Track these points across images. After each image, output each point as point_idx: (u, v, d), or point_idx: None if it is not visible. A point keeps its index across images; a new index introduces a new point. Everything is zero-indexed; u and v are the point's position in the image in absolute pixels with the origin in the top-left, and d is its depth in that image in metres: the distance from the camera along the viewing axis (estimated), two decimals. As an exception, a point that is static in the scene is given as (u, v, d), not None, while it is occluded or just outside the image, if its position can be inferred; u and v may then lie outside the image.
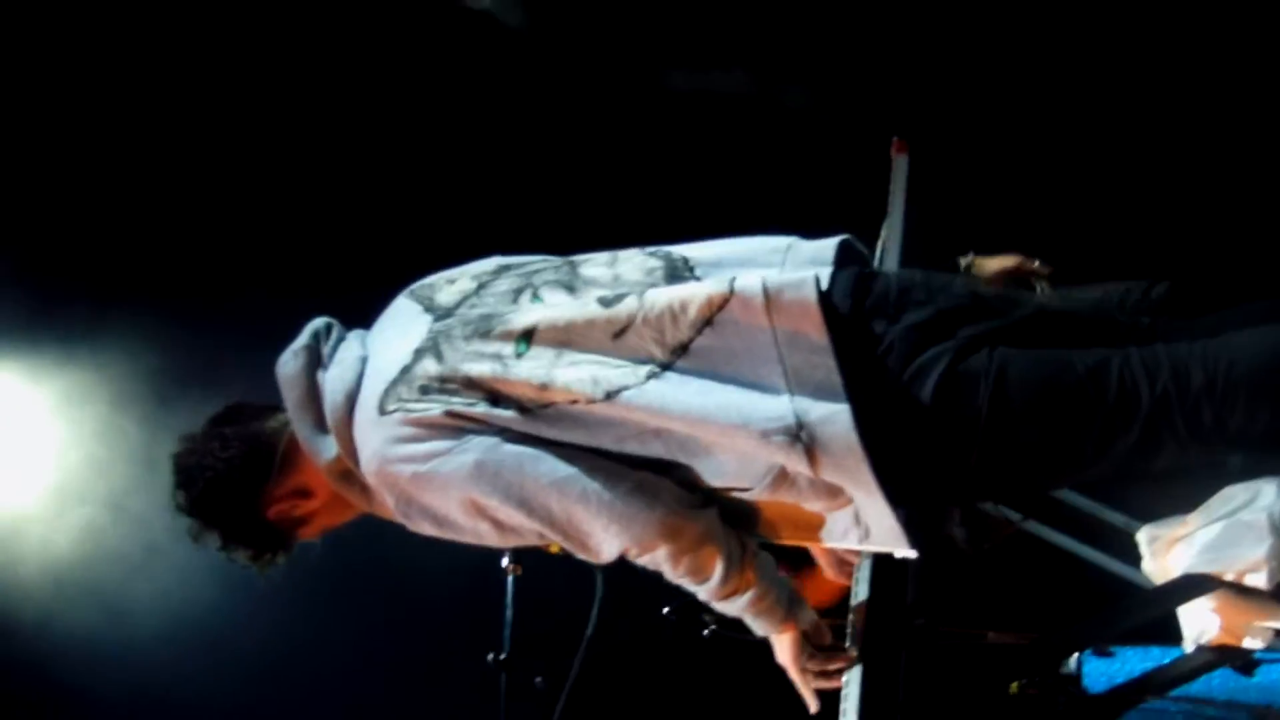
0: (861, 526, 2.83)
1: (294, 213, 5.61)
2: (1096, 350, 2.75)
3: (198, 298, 5.49)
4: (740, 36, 5.00)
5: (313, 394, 3.03)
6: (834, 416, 2.70)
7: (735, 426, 2.74)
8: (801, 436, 2.70)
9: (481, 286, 3.02)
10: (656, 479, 2.86)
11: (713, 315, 2.76)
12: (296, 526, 3.15)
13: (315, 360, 3.06)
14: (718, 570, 2.92)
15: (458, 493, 2.89)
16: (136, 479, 5.45)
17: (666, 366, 2.78)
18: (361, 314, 3.15)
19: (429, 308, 3.02)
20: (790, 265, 2.88)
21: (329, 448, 3.00)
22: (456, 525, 2.97)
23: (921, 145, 3.63)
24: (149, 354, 5.50)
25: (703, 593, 2.96)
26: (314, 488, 3.10)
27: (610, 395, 2.78)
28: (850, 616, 3.14)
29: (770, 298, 2.74)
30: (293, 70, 5.50)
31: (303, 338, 3.10)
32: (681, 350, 2.78)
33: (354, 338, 3.09)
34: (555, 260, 3.06)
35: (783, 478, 2.80)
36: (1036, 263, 3.39)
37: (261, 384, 3.12)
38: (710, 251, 2.97)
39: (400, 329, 3.02)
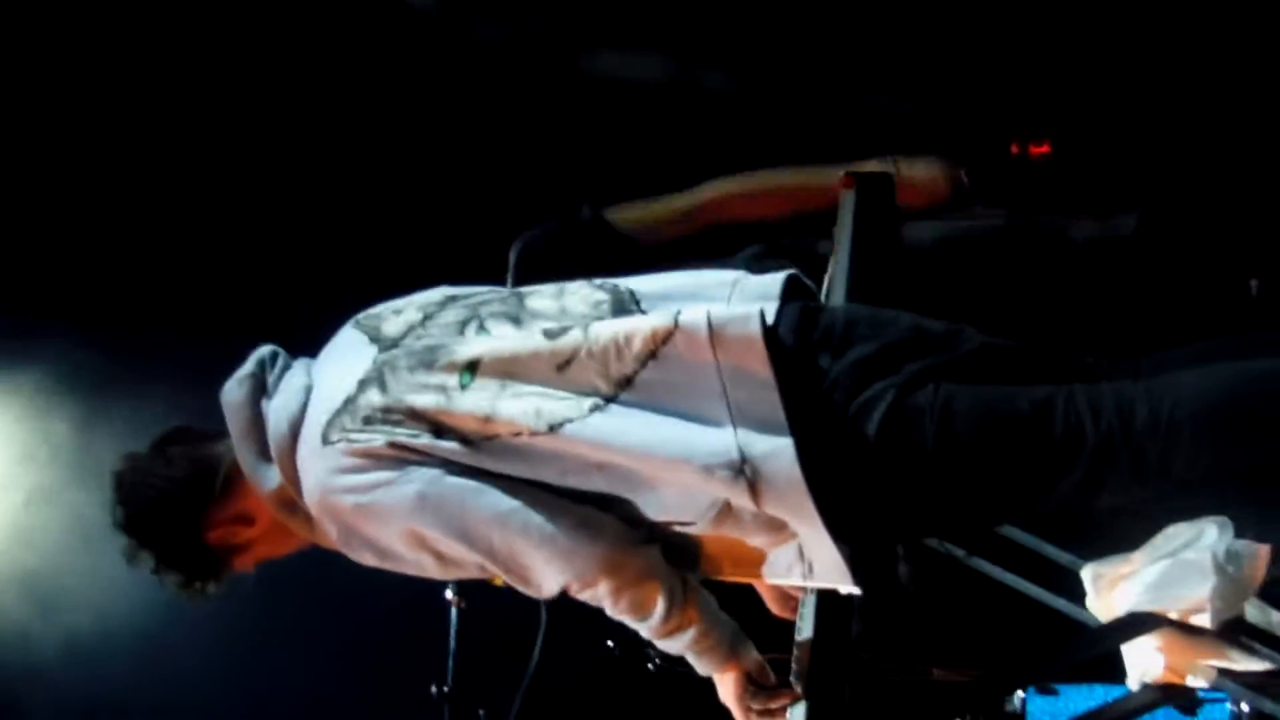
0: (805, 562, 2.82)
1: (239, 235, 5.59)
2: (1041, 387, 2.75)
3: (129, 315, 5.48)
4: (661, 21, 4.97)
5: (257, 422, 3.02)
6: (777, 451, 2.70)
7: (678, 461, 2.74)
8: (745, 471, 2.70)
9: (428, 318, 3.01)
10: (599, 514, 2.85)
11: (657, 349, 2.76)
12: (234, 554, 3.12)
13: (260, 388, 3.05)
14: (659, 608, 2.91)
15: (399, 524, 2.88)
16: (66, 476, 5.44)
17: (610, 399, 2.78)
18: (308, 340, 3.15)
19: (375, 338, 3.01)
20: (737, 299, 2.87)
21: (272, 477, 2.99)
22: (398, 557, 2.96)
23: (866, 181, 3.64)
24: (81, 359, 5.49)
25: (644, 630, 2.96)
26: (255, 515, 3.08)
27: (553, 428, 2.77)
28: (794, 653, 3.13)
29: (715, 332, 2.74)
30: (222, 87, 5.48)
31: (248, 365, 3.08)
32: (626, 383, 2.78)
33: (299, 366, 3.07)
34: (502, 292, 3.06)
35: (726, 512, 2.79)
36: (962, 171, 3.41)
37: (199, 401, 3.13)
38: (657, 285, 2.96)
39: (345, 359, 3.01)
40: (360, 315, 3.11)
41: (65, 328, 5.53)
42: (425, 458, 2.86)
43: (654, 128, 4.95)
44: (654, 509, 2.85)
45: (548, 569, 2.86)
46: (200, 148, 5.54)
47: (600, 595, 2.88)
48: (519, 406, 2.80)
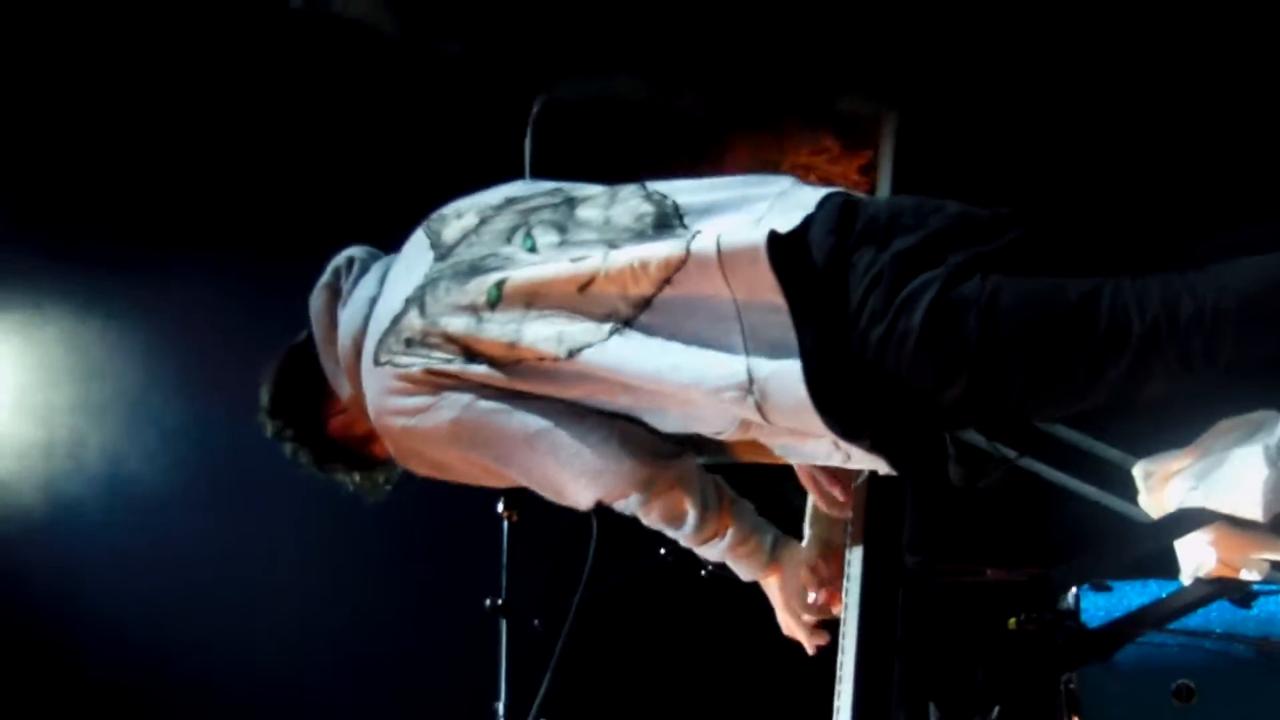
0: (842, 451, 2.86)
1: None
2: (1088, 279, 2.74)
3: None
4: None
5: (333, 333, 3.15)
6: (782, 372, 2.73)
7: (689, 384, 2.78)
8: (753, 392, 2.73)
9: (483, 223, 3.07)
10: (630, 427, 2.92)
11: (671, 275, 2.80)
12: (366, 443, 3.25)
13: (335, 296, 3.17)
14: (691, 516, 2.98)
15: (442, 445, 2.99)
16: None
17: (629, 322, 2.82)
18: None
19: (435, 243, 3.09)
20: (775, 210, 2.86)
21: (345, 387, 3.15)
22: (450, 469, 3.08)
23: (912, 107, 3.61)
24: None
25: (681, 538, 3.02)
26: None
27: (573, 354, 2.84)
28: (846, 554, 3.15)
29: (724, 259, 2.76)
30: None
31: (326, 274, 3.21)
32: (645, 304, 2.82)
33: (374, 272, 3.17)
34: (557, 196, 3.09)
35: (749, 423, 2.83)
36: None
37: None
38: (703, 197, 2.97)
39: (408, 266, 3.10)
40: (435, 213, 3.18)
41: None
42: (459, 382, 2.93)
43: (626, 146, 4.96)
44: (680, 424, 2.89)
45: (577, 485, 2.95)
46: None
47: (632, 506, 2.96)
48: (543, 331, 2.85)
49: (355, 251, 3.23)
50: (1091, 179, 4.59)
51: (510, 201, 3.11)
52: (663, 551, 4.09)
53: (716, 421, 2.88)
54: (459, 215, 3.13)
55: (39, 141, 5.47)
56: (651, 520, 3.02)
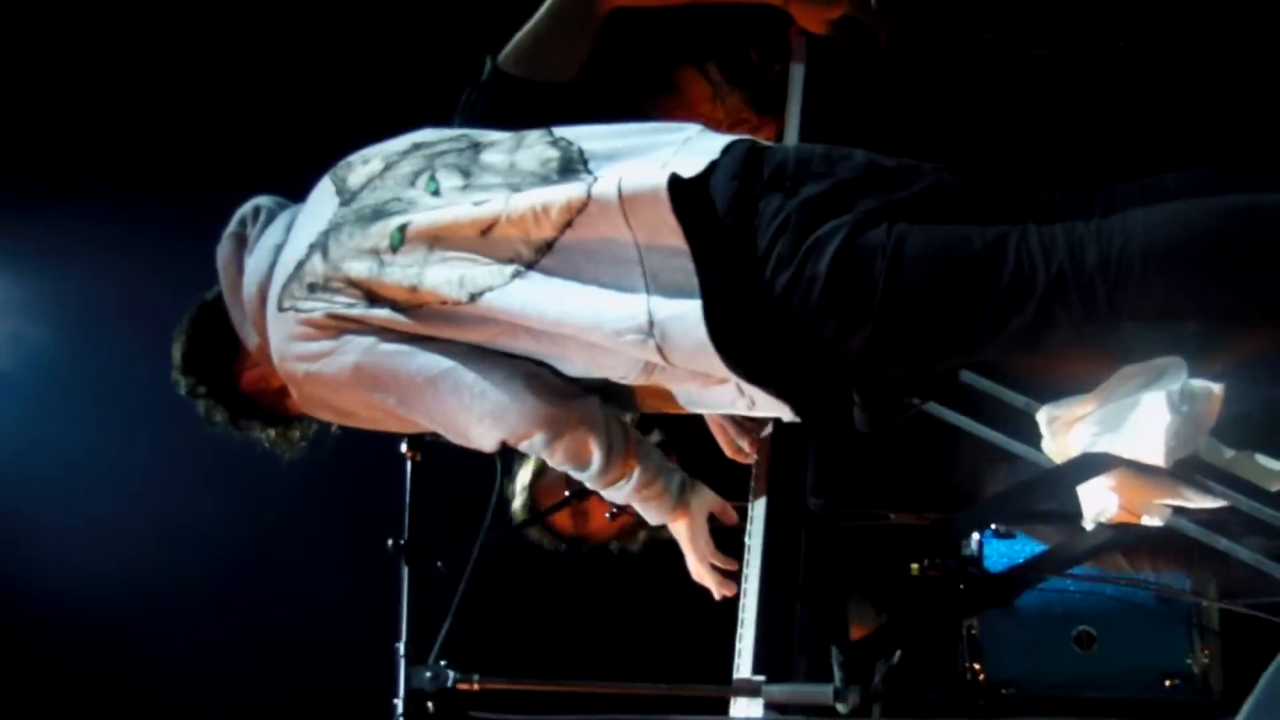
0: (746, 397, 2.87)
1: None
2: (996, 226, 2.74)
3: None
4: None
5: (239, 282, 3.13)
6: (683, 314, 2.73)
7: (590, 326, 2.78)
8: (653, 334, 2.72)
9: (388, 168, 3.04)
10: (534, 368, 2.92)
11: (573, 218, 2.80)
12: (280, 398, 3.25)
13: (241, 246, 3.15)
14: (596, 457, 2.97)
15: (345, 390, 2.99)
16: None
17: (530, 265, 2.82)
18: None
19: (340, 189, 3.09)
20: (680, 156, 2.85)
21: (252, 337, 3.13)
22: (354, 416, 3.11)
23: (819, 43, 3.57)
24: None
25: (587, 480, 3.02)
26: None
27: (474, 297, 2.84)
28: (749, 499, 3.14)
29: (625, 201, 2.76)
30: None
31: (232, 224, 3.18)
32: (546, 248, 2.81)
33: (280, 220, 3.16)
34: (462, 141, 3.06)
35: (652, 366, 2.82)
36: (874, 10, 3.37)
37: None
38: (608, 143, 2.95)
39: (313, 213, 3.08)
40: (340, 162, 3.15)
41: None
42: (361, 326, 2.92)
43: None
44: (584, 369, 2.88)
45: (480, 426, 2.94)
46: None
47: (536, 447, 2.95)
48: (444, 274, 2.84)
49: (262, 200, 3.21)
50: (1001, 131, 4.59)
51: (416, 147, 3.09)
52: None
53: (619, 366, 2.87)
54: (365, 161, 3.11)
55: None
56: (556, 461, 3.01)
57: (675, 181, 2.75)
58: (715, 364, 2.76)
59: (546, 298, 2.81)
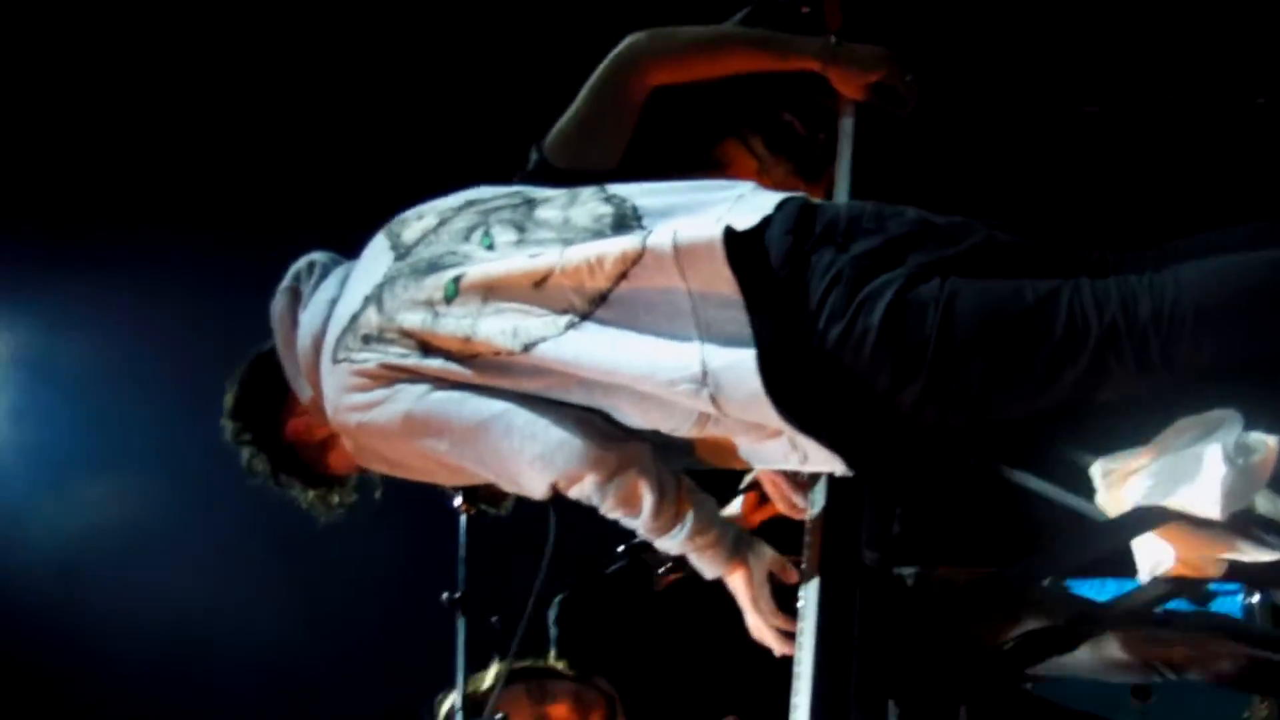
0: (799, 451, 2.87)
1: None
2: (1048, 280, 2.75)
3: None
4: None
5: (293, 335, 3.19)
6: (736, 363, 2.74)
7: (643, 376, 2.79)
8: (707, 384, 2.73)
9: (442, 224, 3.07)
10: (584, 413, 2.90)
11: (628, 269, 2.81)
12: (322, 453, 3.32)
13: (296, 300, 3.21)
14: (648, 500, 2.95)
15: (397, 440, 3.02)
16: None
17: (585, 316, 2.84)
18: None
19: (394, 244, 3.13)
20: (735, 212, 2.87)
21: (304, 389, 3.18)
22: (406, 467, 3.13)
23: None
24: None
25: (640, 527, 3.00)
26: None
27: (528, 347, 2.86)
28: (804, 552, 3.14)
29: (680, 253, 2.77)
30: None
31: (286, 278, 3.25)
32: (601, 299, 2.83)
33: (334, 276, 3.20)
34: (518, 197, 3.09)
35: (706, 417, 2.83)
36: (909, 77, 3.38)
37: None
38: (663, 200, 2.98)
39: (368, 268, 3.13)
40: (395, 218, 3.18)
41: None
42: (414, 375, 2.96)
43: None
44: (637, 419, 2.89)
45: (531, 469, 2.95)
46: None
47: (588, 490, 2.94)
48: (498, 325, 2.86)
49: (316, 256, 3.26)
50: (1051, 186, 4.60)
51: (470, 203, 3.12)
52: (621, 549, 4.09)
53: (672, 417, 2.88)
54: (419, 217, 3.16)
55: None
56: (609, 506, 3.00)
57: (730, 233, 2.77)
58: (768, 414, 2.77)
59: (600, 347, 2.82)
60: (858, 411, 2.79)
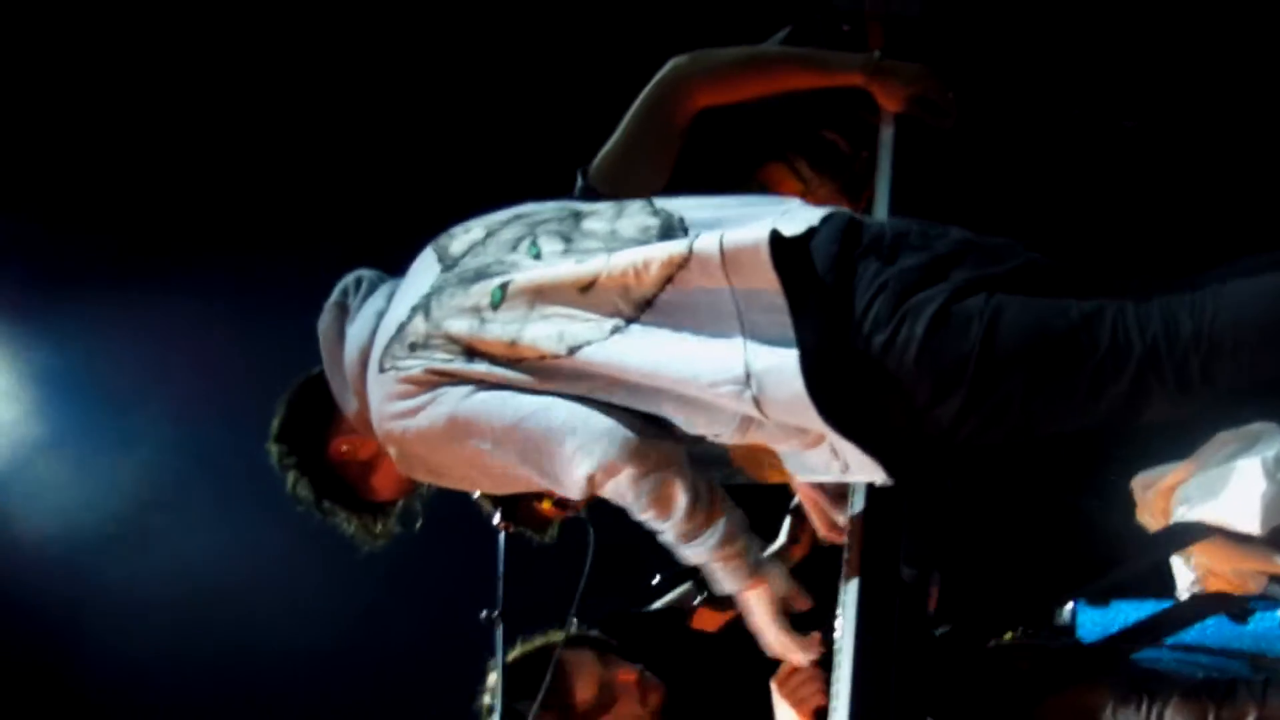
0: (840, 460, 2.85)
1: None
2: (1093, 300, 2.75)
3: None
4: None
5: (340, 350, 3.17)
6: (780, 366, 2.73)
7: (687, 379, 2.78)
8: (750, 385, 2.73)
9: (489, 235, 3.09)
10: (624, 412, 2.90)
11: (674, 274, 2.82)
12: (366, 474, 3.31)
13: (344, 315, 3.19)
14: (681, 502, 2.92)
15: (440, 443, 2.99)
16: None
17: (631, 321, 2.83)
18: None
19: (442, 257, 3.12)
20: (781, 224, 2.87)
21: (352, 403, 3.15)
22: (448, 473, 3.11)
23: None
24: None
25: (669, 530, 2.95)
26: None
27: (573, 350, 2.85)
28: (844, 557, 3.14)
29: (727, 257, 2.78)
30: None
31: (334, 294, 3.22)
32: (646, 305, 2.83)
33: (382, 290, 3.20)
34: (564, 210, 3.11)
35: (749, 421, 2.83)
36: (950, 94, 3.39)
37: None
38: (710, 213, 3.00)
39: (415, 281, 3.12)
40: (443, 233, 3.20)
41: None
42: (457, 379, 2.95)
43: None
44: (681, 423, 2.89)
45: (571, 463, 2.90)
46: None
47: (624, 486, 2.90)
48: (544, 330, 2.86)
49: (364, 272, 3.27)
50: (1092, 202, 4.60)
51: (518, 217, 3.13)
52: (656, 581, 4.10)
53: (716, 421, 2.87)
54: (466, 230, 3.16)
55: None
56: (643, 504, 2.96)
57: (776, 237, 2.78)
58: (810, 417, 2.76)
59: (645, 351, 2.82)
60: (897, 421, 2.79)
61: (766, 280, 2.76)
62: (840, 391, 2.74)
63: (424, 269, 3.13)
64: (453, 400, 2.95)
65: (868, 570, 3.07)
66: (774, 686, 3.44)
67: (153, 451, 5.63)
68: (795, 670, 3.40)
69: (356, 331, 3.13)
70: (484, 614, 4.15)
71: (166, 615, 5.57)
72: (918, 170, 3.47)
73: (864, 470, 2.85)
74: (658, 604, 4.21)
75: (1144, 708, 3.36)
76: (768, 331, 2.76)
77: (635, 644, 4.17)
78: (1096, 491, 2.98)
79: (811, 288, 2.77)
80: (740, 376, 2.75)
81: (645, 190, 3.23)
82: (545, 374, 2.90)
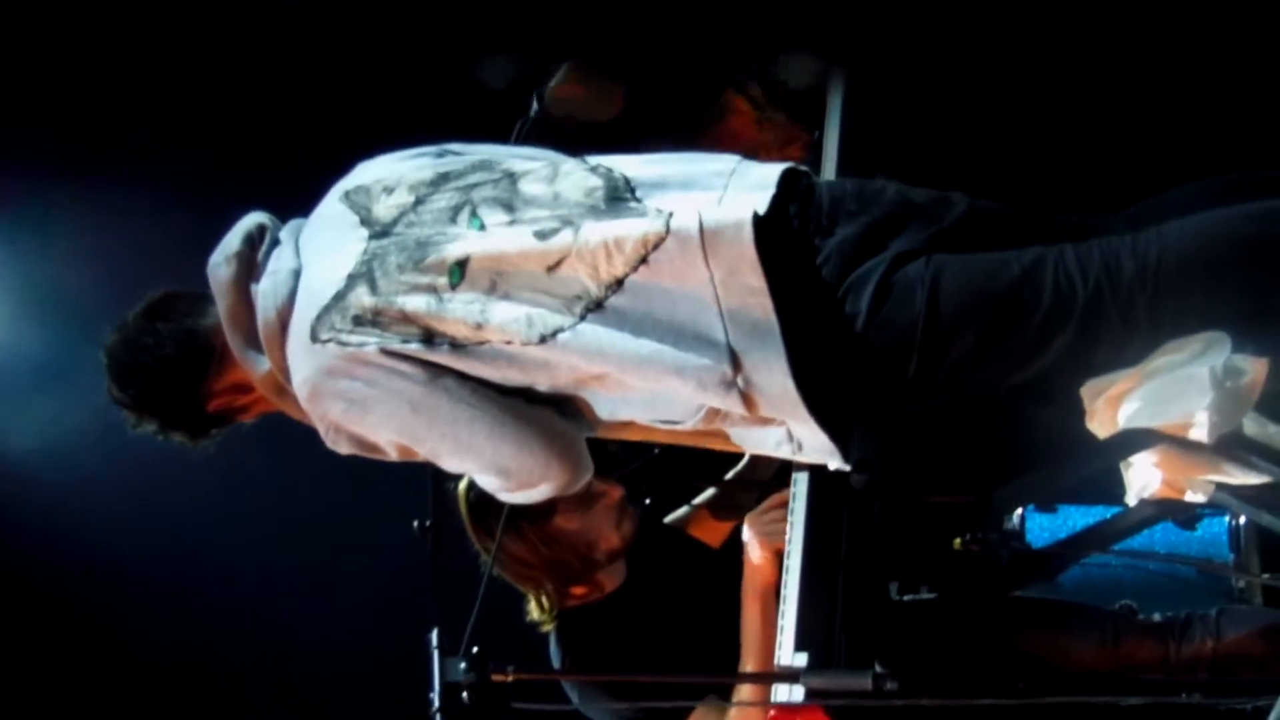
0: (794, 442, 2.85)
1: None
2: (1031, 249, 2.74)
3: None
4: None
5: (245, 304, 2.98)
6: (769, 363, 2.71)
7: (669, 373, 2.73)
8: (738, 383, 2.71)
9: (419, 202, 2.94)
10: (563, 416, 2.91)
11: (648, 254, 2.75)
12: (237, 414, 3.18)
13: (248, 269, 3.00)
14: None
15: (387, 430, 2.91)
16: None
17: (600, 303, 2.75)
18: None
19: (365, 220, 2.95)
20: (734, 189, 2.82)
21: (262, 364, 2.98)
22: (382, 452, 3.00)
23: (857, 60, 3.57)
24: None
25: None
26: (251, 384, 3.07)
27: (545, 339, 2.76)
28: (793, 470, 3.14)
29: (706, 239, 2.71)
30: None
31: (234, 242, 3.03)
32: (617, 285, 2.76)
33: (288, 243, 3.02)
34: (494, 171, 2.97)
35: (714, 413, 2.80)
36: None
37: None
38: (651, 171, 2.92)
39: (333, 240, 2.96)
40: (348, 186, 3.05)
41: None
42: (414, 365, 2.84)
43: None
44: (643, 412, 2.85)
45: (528, 481, 2.96)
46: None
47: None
48: (511, 313, 2.77)
49: (262, 218, 3.09)
50: (1029, 152, 4.61)
51: (444, 177, 3.00)
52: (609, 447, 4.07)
53: (682, 409, 2.83)
54: (387, 191, 2.99)
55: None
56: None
57: (758, 219, 2.72)
58: (797, 411, 2.75)
59: (621, 340, 2.75)
60: (861, 402, 2.79)
61: (747, 263, 2.70)
62: (823, 384, 2.73)
63: (339, 225, 2.96)
64: (411, 394, 2.84)
65: (816, 476, 3.08)
66: (747, 522, 3.47)
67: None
68: (771, 509, 3.44)
69: (270, 290, 2.94)
70: (416, 525, 4.09)
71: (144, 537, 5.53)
72: (865, 124, 3.46)
73: (819, 454, 2.84)
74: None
75: (1107, 646, 3.40)
76: (747, 316, 2.71)
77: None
78: (1046, 397, 2.95)
79: (790, 274, 2.73)
80: (727, 374, 2.71)
81: (600, 115, 3.18)
82: (508, 360, 2.81)
